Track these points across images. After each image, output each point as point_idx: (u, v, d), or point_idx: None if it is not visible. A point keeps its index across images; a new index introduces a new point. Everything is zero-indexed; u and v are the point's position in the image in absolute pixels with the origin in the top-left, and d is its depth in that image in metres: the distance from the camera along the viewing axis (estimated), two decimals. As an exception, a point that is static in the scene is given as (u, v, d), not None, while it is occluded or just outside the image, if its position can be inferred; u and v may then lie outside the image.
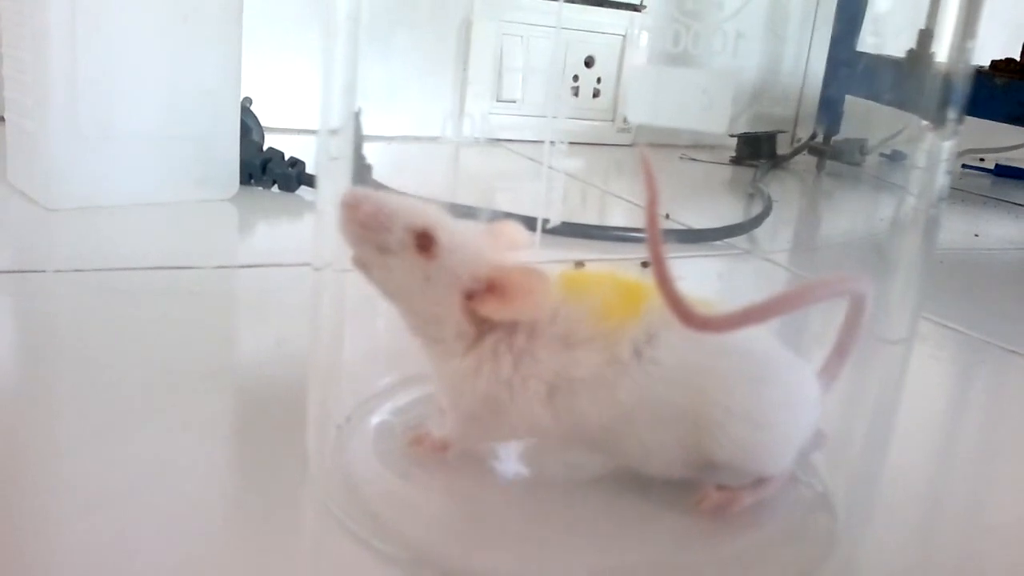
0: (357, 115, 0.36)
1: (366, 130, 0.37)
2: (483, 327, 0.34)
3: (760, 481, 0.35)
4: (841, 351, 0.36)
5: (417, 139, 0.42)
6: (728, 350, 0.33)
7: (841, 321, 0.35)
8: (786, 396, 0.34)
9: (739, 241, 0.78)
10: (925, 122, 0.34)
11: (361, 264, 0.34)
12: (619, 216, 0.85)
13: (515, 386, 0.33)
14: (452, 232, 0.34)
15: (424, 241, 0.33)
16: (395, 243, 0.33)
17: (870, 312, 0.34)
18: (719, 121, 0.40)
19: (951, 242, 0.95)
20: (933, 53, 0.33)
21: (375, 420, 0.39)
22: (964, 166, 1.44)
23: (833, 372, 0.36)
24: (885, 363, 0.36)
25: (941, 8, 0.33)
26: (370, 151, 0.39)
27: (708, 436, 0.33)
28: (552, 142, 0.42)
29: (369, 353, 0.41)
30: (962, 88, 0.32)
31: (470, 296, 0.34)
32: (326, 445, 0.37)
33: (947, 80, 0.32)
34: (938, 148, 0.33)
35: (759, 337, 0.34)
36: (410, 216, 0.34)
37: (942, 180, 0.34)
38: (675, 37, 0.37)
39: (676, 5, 0.37)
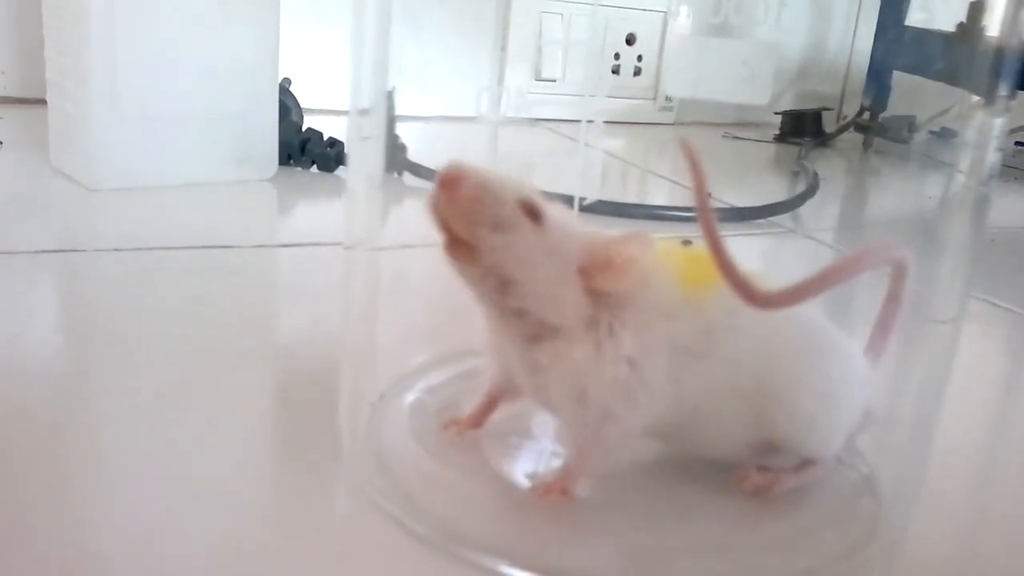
0: (390, 94, 0.36)
1: (399, 110, 0.36)
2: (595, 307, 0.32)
3: (804, 464, 0.34)
4: (885, 327, 0.35)
5: (452, 119, 0.42)
6: (798, 321, 0.33)
7: (883, 297, 0.35)
8: (848, 372, 0.34)
9: (783, 219, 0.76)
10: (976, 98, 0.33)
11: (465, 250, 0.30)
12: (659, 194, 0.84)
13: (638, 363, 0.31)
14: (549, 207, 0.32)
15: (534, 212, 0.30)
16: (510, 216, 0.30)
17: (911, 284, 0.34)
18: (760, 93, 0.39)
19: (1004, 221, 0.93)
20: (984, 27, 0.32)
21: (409, 398, 0.39)
22: (1017, 143, 1.40)
23: (878, 349, 0.35)
24: (933, 343, 0.35)
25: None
26: (403, 131, 0.38)
27: (777, 408, 0.33)
28: (589, 120, 0.42)
29: (403, 331, 0.41)
30: (1014, 63, 0.31)
31: (582, 272, 0.31)
32: (359, 423, 0.37)
33: (998, 55, 0.31)
34: (989, 125, 0.32)
35: (815, 314, 0.34)
36: (517, 186, 0.30)
37: (993, 157, 0.33)
38: (716, 6, 0.36)
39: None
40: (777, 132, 0.93)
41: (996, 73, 0.32)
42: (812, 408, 0.33)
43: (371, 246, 0.37)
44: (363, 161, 0.36)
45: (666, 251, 0.33)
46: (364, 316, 0.38)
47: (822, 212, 0.78)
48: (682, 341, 0.32)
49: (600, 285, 0.31)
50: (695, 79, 0.40)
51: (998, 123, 0.32)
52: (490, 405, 0.36)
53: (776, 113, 0.94)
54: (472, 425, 0.36)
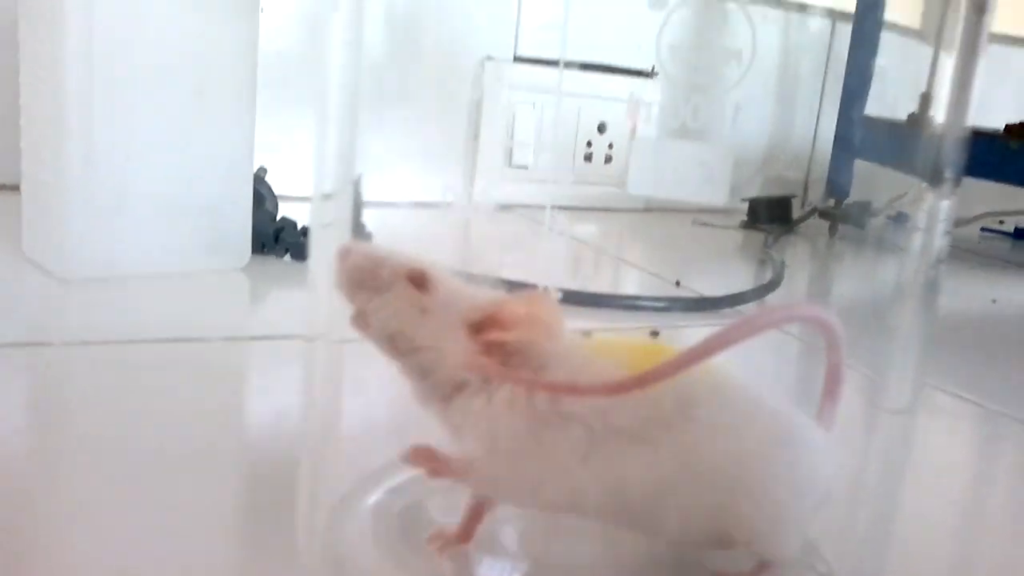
0: (357, 181, 0.36)
1: (365, 196, 0.37)
2: (505, 369, 0.32)
3: (761, 567, 0.34)
4: (831, 395, 0.35)
5: (420, 205, 0.42)
6: (763, 412, 0.33)
7: (825, 365, 0.35)
8: (812, 464, 0.34)
9: (749, 309, 0.77)
10: (924, 183, 0.34)
11: (360, 317, 0.34)
12: (630, 284, 0.85)
13: (554, 426, 0.31)
14: (449, 278, 0.34)
15: (419, 279, 0.33)
16: (387, 279, 0.33)
17: (844, 345, 0.34)
18: (718, 193, 0.40)
19: (968, 308, 0.93)
20: (932, 116, 0.33)
21: (371, 500, 0.37)
22: (983, 229, 1.42)
23: (828, 420, 0.35)
24: (887, 435, 0.35)
25: (939, 71, 0.33)
26: (369, 217, 0.39)
27: (743, 504, 0.32)
28: (555, 207, 0.42)
29: (366, 429, 0.40)
30: (956, 148, 0.32)
31: (472, 327, 0.33)
32: (318, 527, 0.36)
33: (942, 140, 0.32)
34: (936, 209, 0.33)
35: (781, 400, 0.34)
36: (402, 259, 0.34)
37: (940, 241, 0.33)
38: (674, 111, 0.37)
39: (682, 77, 0.38)
40: (744, 219, 0.95)
41: (940, 158, 0.33)
42: (776, 507, 0.32)
43: (334, 338, 0.36)
44: (326, 249, 0.35)
45: (620, 344, 0.34)
46: (326, 413, 0.37)
47: (788, 300, 0.79)
48: (621, 420, 0.31)
49: (491, 338, 0.32)
50: (656, 179, 0.41)
51: (944, 206, 0.33)
52: (476, 514, 0.35)
53: (743, 200, 0.96)
54: (460, 539, 0.35)
